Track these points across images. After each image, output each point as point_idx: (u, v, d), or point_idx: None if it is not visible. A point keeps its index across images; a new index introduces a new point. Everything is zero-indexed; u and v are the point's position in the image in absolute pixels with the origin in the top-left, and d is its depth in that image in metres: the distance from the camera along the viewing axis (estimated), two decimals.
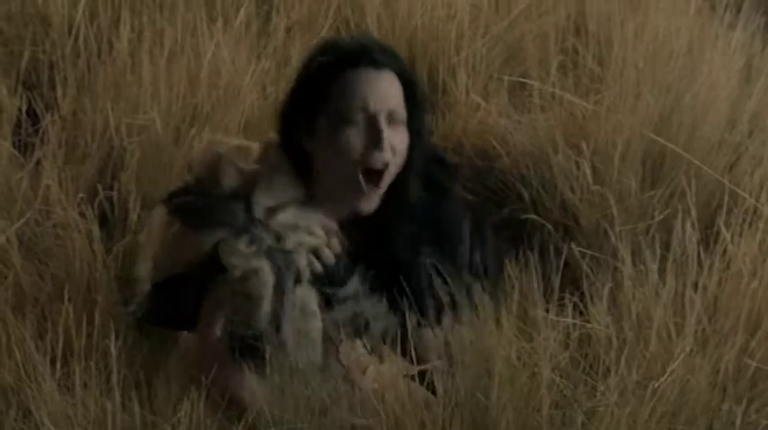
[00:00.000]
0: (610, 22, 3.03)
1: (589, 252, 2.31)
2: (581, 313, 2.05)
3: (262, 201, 1.98)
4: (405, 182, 2.07)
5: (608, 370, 1.92)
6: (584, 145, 2.53)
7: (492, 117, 2.77)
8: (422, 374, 2.08)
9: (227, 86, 2.71)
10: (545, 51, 2.96)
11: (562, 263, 2.12)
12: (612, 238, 2.31)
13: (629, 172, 2.49)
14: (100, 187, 2.47)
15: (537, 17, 3.11)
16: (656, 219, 2.39)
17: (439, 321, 2.06)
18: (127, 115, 2.61)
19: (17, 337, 2.05)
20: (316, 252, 2.00)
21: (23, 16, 2.95)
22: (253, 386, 1.96)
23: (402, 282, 2.04)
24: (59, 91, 2.72)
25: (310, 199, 2.03)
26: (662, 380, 1.87)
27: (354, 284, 2.04)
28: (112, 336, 1.94)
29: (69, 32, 2.88)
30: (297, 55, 2.76)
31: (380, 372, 2.08)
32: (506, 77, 2.88)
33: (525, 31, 3.06)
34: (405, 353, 2.04)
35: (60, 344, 2.02)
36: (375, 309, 2.05)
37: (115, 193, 2.47)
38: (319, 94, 2.03)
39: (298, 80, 2.10)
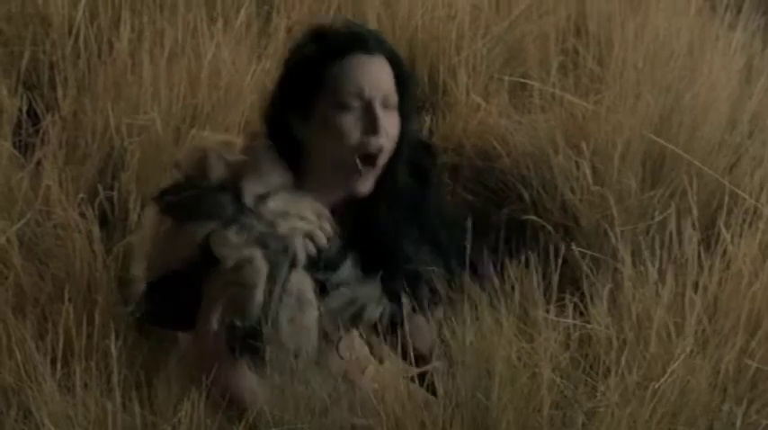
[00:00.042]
0: (610, 22, 3.03)
1: (589, 252, 2.31)
2: (581, 313, 2.05)
3: (250, 190, 1.97)
4: (393, 167, 2.08)
5: (608, 370, 1.92)
6: (584, 145, 2.53)
7: (492, 117, 2.77)
8: (422, 375, 2.08)
9: (227, 87, 2.71)
10: (545, 52, 2.96)
11: (562, 263, 2.12)
12: (612, 239, 2.31)
13: (629, 172, 2.49)
14: (100, 187, 2.47)
15: (537, 18, 3.11)
16: (656, 219, 2.39)
17: (428, 307, 2.09)
18: (127, 115, 2.61)
19: (17, 338, 2.05)
20: (309, 236, 2.00)
21: (24, 16, 2.95)
22: (253, 386, 1.97)
23: (391, 267, 2.06)
24: (60, 91, 2.72)
25: (300, 186, 2.03)
26: (662, 380, 1.87)
27: (348, 269, 2.05)
28: (113, 337, 1.94)
29: (70, 33, 2.88)
30: None
31: (380, 373, 2.08)
32: (507, 78, 2.88)
33: (526, 32, 3.06)
34: (399, 341, 2.06)
35: (61, 345, 2.02)
36: (369, 294, 2.06)
37: (115, 194, 2.47)
38: (313, 81, 2.04)
39: (288, 68, 2.10)
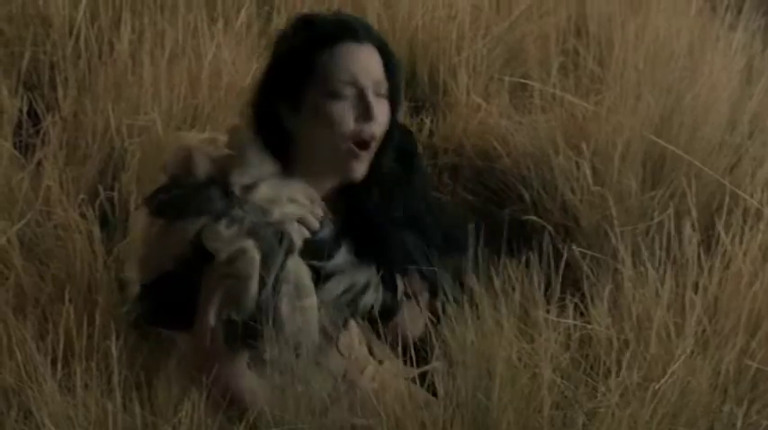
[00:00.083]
0: (610, 23, 3.03)
1: (589, 253, 2.31)
2: (581, 314, 2.05)
3: (238, 181, 1.97)
4: (383, 152, 2.08)
5: (609, 371, 1.92)
6: (584, 146, 2.53)
7: (493, 118, 2.77)
8: (422, 376, 2.08)
9: (228, 87, 2.71)
10: (546, 52, 2.96)
11: (563, 264, 2.12)
12: (613, 239, 2.31)
13: (629, 173, 2.49)
14: (101, 188, 2.47)
15: (538, 18, 3.11)
16: (656, 220, 2.39)
17: (419, 293, 2.12)
18: (128, 116, 2.61)
19: (18, 338, 2.05)
20: (301, 221, 2.00)
21: (24, 17, 2.95)
22: (253, 384, 1.97)
23: (384, 251, 2.07)
24: (60, 92, 2.72)
25: (289, 176, 2.03)
26: (663, 381, 1.87)
27: (342, 256, 2.05)
28: (113, 337, 1.94)
29: (70, 33, 2.88)
30: None
31: (379, 373, 2.08)
32: (507, 78, 2.88)
33: (526, 32, 3.06)
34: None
35: (61, 345, 2.02)
36: (364, 281, 2.06)
37: (116, 194, 2.47)
38: (303, 70, 2.03)
39: (276, 58, 2.09)
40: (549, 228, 2.46)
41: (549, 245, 2.20)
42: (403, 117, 2.75)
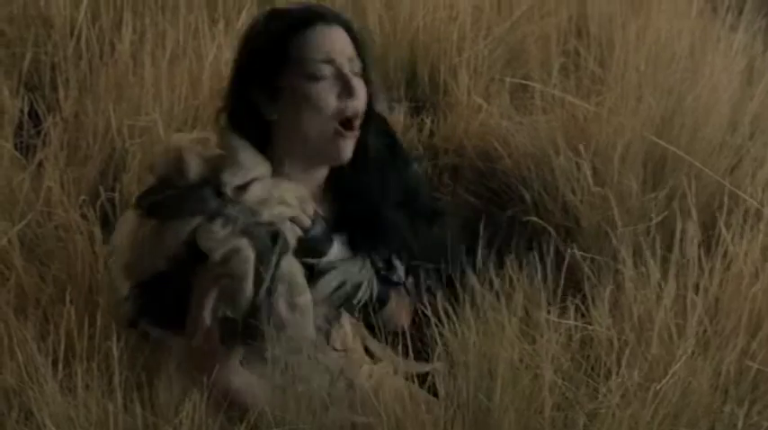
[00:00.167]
0: (611, 24, 3.03)
1: (590, 254, 2.31)
2: (582, 315, 2.05)
3: (230, 182, 1.98)
4: (366, 134, 2.09)
5: (609, 372, 1.92)
6: (585, 147, 2.53)
7: (493, 118, 2.77)
8: (423, 376, 2.08)
9: None
10: (547, 53, 2.96)
11: (564, 265, 2.12)
12: (614, 240, 2.31)
13: (630, 174, 2.49)
14: (101, 189, 2.47)
15: (539, 19, 3.11)
16: (657, 220, 2.39)
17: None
18: (129, 117, 2.61)
19: (19, 339, 2.05)
20: (294, 219, 2.00)
21: (25, 18, 2.95)
22: (252, 382, 1.97)
23: (380, 233, 2.10)
24: (61, 92, 2.72)
25: (279, 172, 2.04)
26: (663, 382, 1.87)
27: (335, 252, 2.06)
28: (114, 338, 1.94)
29: (71, 34, 2.89)
30: None
31: (375, 371, 2.09)
32: (508, 79, 2.88)
33: (527, 33, 3.06)
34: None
35: (62, 346, 2.02)
36: (357, 275, 2.07)
37: (117, 195, 2.47)
38: (279, 57, 2.04)
39: (249, 49, 2.10)
40: (550, 228, 2.46)
41: (550, 245, 2.20)
42: (403, 117, 2.77)
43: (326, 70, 2.03)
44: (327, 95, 2.02)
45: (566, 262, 2.13)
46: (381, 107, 2.21)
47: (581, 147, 2.53)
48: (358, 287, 2.08)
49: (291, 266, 1.98)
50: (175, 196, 1.98)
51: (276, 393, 1.95)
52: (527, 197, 2.58)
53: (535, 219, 2.51)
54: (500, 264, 2.12)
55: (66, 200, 2.42)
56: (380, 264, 2.13)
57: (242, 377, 1.97)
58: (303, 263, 2.01)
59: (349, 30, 2.09)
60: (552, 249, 2.17)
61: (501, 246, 2.32)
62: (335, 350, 2.07)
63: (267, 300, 1.93)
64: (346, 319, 2.11)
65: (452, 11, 3.02)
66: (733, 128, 2.66)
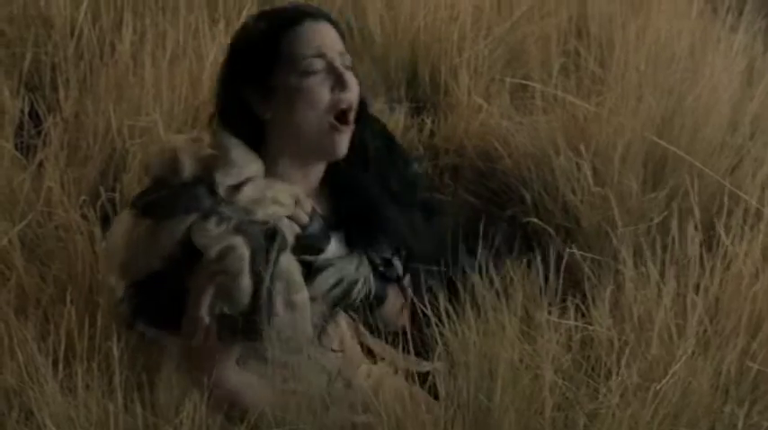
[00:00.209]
0: (611, 24, 3.03)
1: (590, 254, 2.31)
2: (583, 315, 2.05)
3: (223, 181, 1.98)
4: (361, 128, 2.10)
5: (610, 372, 1.92)
6: (585, 147, 2.53)
7: (494, 119, 2.77)
8: (424, 376, 2.08)
9: None
10: (547, 53, 2.96)
11: (563, 265, 2.12)
12: (614, 240, 2.31)
13: (630, 174, 2.49)
14: (102, 189, 2.47)
15: (539, 19, 3.11)
16: (657, 220, 2.39)
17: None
18: (129, 117, 2.61)
19: (19, 339, 2.05)
20: (291, 216, 2.01)
21: (26, 18, 2.95)
22: (246, 382, 1.97)
23: (379, 227, 2.10)
24: (61, 93, 2.72)
25: (273, 172, 2.04)
26: (664, 382, 1.87)
27: (332, 249, 2.06)
28: (114, 338, 1.94)
29: (72, 34, 2.89)
30: None
31: (373, 371, 2.09)
32: (508, 79, 2.88)
33: (527, 33, 3.06)
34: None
35: (62, 346, 2.02)
36: (354, 273, 2.08)
37: (117, 195, 2.47)
38: (270, 56, 2.04)
39: (239, 52, 2.10)
40: (550, 229, 2.46)
41: (551, 246, 2.20)
42: (404, 117, 2.77)
43: (318, 65, 2.03)
44: (320, 89, 2.03)
45: (564, 261, 2.13)
46: (374, 105, 2.22)
47: (581, 148, 2.53)
48: (354, 284, 2.08)
49: (289, 264, 1.98)
50: (169, 195, 1.99)
51: (275, 393, 1.96)
52: (527, 197, 2.58)
53: (535, 219, 2.51)
54: (500, 265, 2.12)
55: (66, 200, 2.42)
56: (378, 262, 2.13)
57: (239, 376, 1.97)
58: (300, 260, 2.01)
59: (335, 26, 2.11)
60: (552, 249, 2.17)
61: (501, 247, 2.33)
62: (333, 350, 2.07)
63: (268, 298, 1.93)
64: (343, 319, 2.11)
65: (453, 11, 3.02)
66: (733, 128, 2.66)
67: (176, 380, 1.94)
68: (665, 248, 2.20)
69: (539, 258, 2.10)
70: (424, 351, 2.11)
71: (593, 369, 1.96)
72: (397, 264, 2.16)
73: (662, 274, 2.09)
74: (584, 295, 2.14)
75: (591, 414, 1.86)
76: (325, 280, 2.05)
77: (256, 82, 2.05)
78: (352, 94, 2.05)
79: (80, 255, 2.29)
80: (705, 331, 2.02)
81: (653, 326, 1.98)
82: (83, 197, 2.44)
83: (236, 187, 1.98)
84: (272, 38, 2.05)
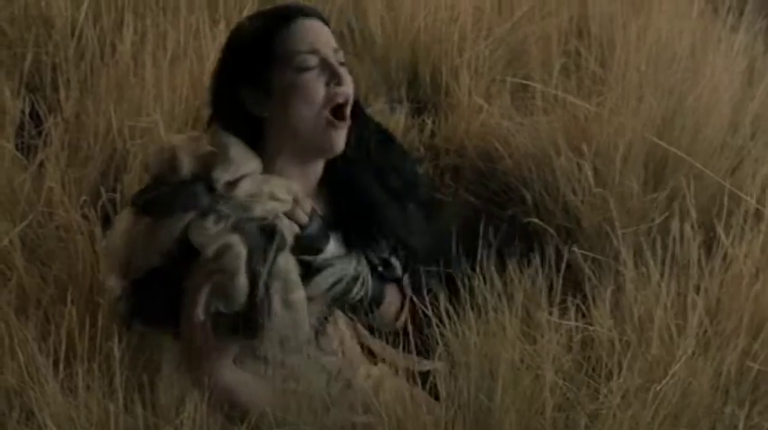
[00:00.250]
0: (612, 24, 3.03)
1: (591, 254, 2.31)
2: (583, 316, 2.06)
3: (221, 178, 1.98)
4: (359, 125, 2.11)
5: (610, 372, 1.92)
6: (586, 147, 2.54)
7: (494, 119, 2.77)
8: (424, 377, 2.08)
9: None
10: (547, 53, 2.96)
11: (564, 265, 2.12)
12: (614, 241, 2.31)
13: (631, 174, 2.49)
14: (103, 189, 2.46)
15: (539, 19, 3.11)
16: (658, 221, 2.39)
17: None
18: (129, 117, 2.61)
19: (20, 339, 2.05)
20: (290, 215, 2.01)
21: (27, 18, 2.95)
22: (244, 381, 1.97)
23: (380, 224, 2.10)
24: (62, 93, 2.72)
25: (270, 170, 2.05)
26: (664, 382, 1.87)
27: (331, 249, 2.06)
28: (115, 338, 1.95)
29: (72, 34, 2.88)
30: None
31: (372, 372, 2.09)
32: (509, 79, 2.88)
33: (528, 34, 3.06)
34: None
35: (63, 346, 2.02)
36: (353, 273, 2.08)
37: (118, 196, 2.47)
38: (264, 55, 2.05)
39: (233, 52, 2.11)
40: (551, 229, 2.47)
41: (551, 246, 2.20)
42: (404, 118, 2.77)
43: (312, 61, 2.04)
44: (316, 84, 2.04)
45: (565, 261, 2.13)
46: (375, 105, 2.22)
47: (582, 148, 2.53)
48: (353, 285, 2.08)
49: (287, 263, 1.98)
50: (168, 193, 1.99)
51: (275, 392, 1.96)
52: (528, 197, 2.58)
53: (536, 220, 2.51)
54: (501, 265, 2.12)
55: (67, 200, 2.42)
56: (376, 262, 2.13)
57: (235, 374, 1.97)
58: (299, 260, 2.01)
59: (327, 25, 2.12)
60: (553, 250, 2.17)
61: (501, 247, 2.33)
62: (332, 351, 2.07)
63: (266, 297, 1.93)
64: (342, 320, 2.12)
65: (453, 11, 3.02)
66: (734, 129, 2.66)
67: (177, 381, 1.95)
68: (665, 249, 2.19)
69: (539, 259, 2.09)
70: (424, 351, 2.11)
71: (593, 369, 1.96)
72: (396, 263, 2.16)
73: (662, 275, 2.09)
74: (585, 295, 2.14)
75: (592, 414, 1.86)
76: (324, 280, 2.05)
77: (252, 81, 2.06)
78: (347, 88, 2.05)
79: (81, 255, 2.29)
80: (705, 331, 2.02)
81: (653, 327, 1.98)
82: (83, 197, 2.44)
83: (233, 183, 1.98)
84: (265, 37, 2.06)
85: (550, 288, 2.05)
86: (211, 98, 2.13)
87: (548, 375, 1.85)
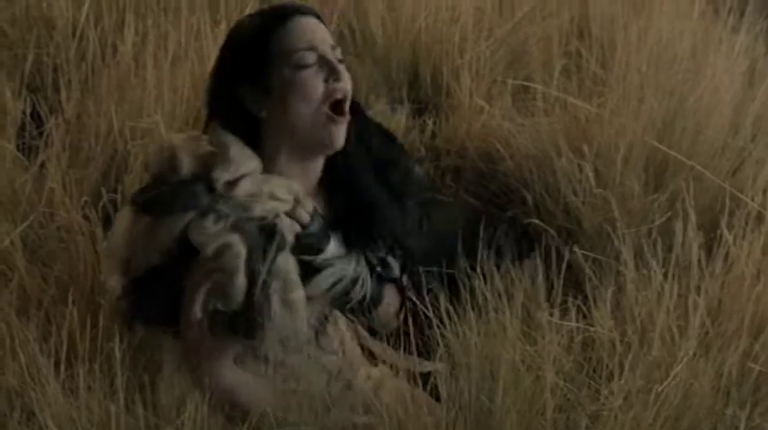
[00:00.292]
0: (613, 25, 3.03)
1: (592, 255, 2.31)
2: (584, 316, 2.05)
3: (221, 177, 1.98)
4: (360, 123, 2.11)
5: (611, 373, 1.92)
6: (587, 148, 2.54)
7: (495, 120, 2.77)
8: (425, 378, 2.09)
9: None
10: (548, 54, 2.96)
11: (565, 266, 2.12)
12: (615, 242, 2.31)
13: (632, 175, 2.49)
14: (104, 190, 2.47)
15: (540, 20, 3.11)
16: (659, 222, 2.39)
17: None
18: (131, 118, 2.61)
19: (21, 340, 2.05)
20: (292, 215, 2.01)
21: (28, 19, 2.95)
22: (248, 383, 1.97)
23: (380, 222, 2.11)
24: (63, 94, 2.72)
25: (270, 169, 2.05)
26: (665, 383, 1.87)
27: (332, 249, 2.06)
28: (116, 339, 1.95)
29: (73, 35, 2.89)
30: None
31: (373, 373, 2.09)
32: (510, 81, 2.88)
33: (529, 35, 3.06)
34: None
35: (64, 347, 2.02)
36: (353, 273, 2.08)
37: (119, 196, 2.47)
38: (262, 54, 2.06)
39: (231, 52, 2.12)
40: (552, 230, 2.46)
41: (552, 247, 2.20)
42: (405, 119, 2.77)
43: (310, 58, 2.05)
44: (314, 81, 2.04)
45: (566, 262, 2.13)
46: (376, 106, 2.22)
47: (583, 149, 2.53)
48: (353, 285, 2.08)
49: (287, 263, 1.98)
50: (168, 192, 1.99)
51: (275, 392, 1.96)
52: (529, 198, 2.58)
53: (537, 220, 2.51)
54: (501, 266, 2.12)
55: (68, 201, 2.42)
56: (375, 262, 2.13)
57: (234, 374, 1.97)
58: (299, 260, 2.01)
59: (323, 23, 2.13)
60: (554, 251, 2.17)
61: (502, 248, 2.33)
62: (332, 350, 2.07)
63: (265, 296, 1.93)
64: (342, 320, 2.12)
65: (454, 12, 3.02)
66: (735, 130, 2.66)
67: (178, 381, 1.95)
68: (666, 250, 2.19)
69: (540, 260, 2.09)
70: (425, 352, 2.11)
71: (594, 370, 1.95)
72: (393, 263, 2.16)
73: (663, 276, 2.09)
74: (586, 296, 2.14)
75: (593, 415, 1.86)
76: (324, 280, 2.05)
77: (250, 80, 2.06)
78: (345, 84, 2.06)
79: (82, 255, 2.29)
80: (707, 333, 2.02)
81: (654, 328, 1.98)
82: (84, 198, 2.44)
83: (233, 182, 1.98)
84: (263, 35, 2.07)
85: (551, 288, 2.05)
86: (209, 97, 2.13)
87: (548, 376, 1.85)
